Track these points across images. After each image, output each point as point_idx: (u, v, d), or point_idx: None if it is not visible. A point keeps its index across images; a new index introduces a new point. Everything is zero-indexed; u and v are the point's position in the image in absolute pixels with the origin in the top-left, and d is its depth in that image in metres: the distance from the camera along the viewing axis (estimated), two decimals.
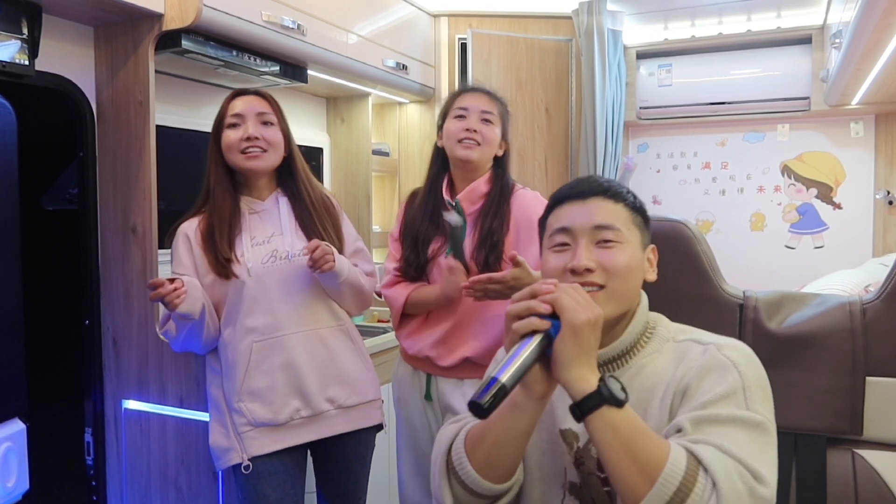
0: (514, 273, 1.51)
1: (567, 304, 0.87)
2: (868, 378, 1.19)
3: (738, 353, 0.95)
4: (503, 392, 0.82)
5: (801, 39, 3.09)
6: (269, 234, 1.63)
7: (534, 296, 0.90)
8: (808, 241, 3.20)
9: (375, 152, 2.99)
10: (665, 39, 3.29)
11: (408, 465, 1.79)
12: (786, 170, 3.23)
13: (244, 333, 1.57)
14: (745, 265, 3.22)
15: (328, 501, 1.72)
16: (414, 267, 1.71)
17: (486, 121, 1.69)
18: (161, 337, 1.62)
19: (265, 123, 1.62)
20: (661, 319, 1.06)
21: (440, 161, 1.77)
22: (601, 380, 0.86)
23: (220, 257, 1.57)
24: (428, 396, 1.75)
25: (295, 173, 1.68)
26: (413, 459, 1.78)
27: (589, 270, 0.97)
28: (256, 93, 1.66)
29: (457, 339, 1.68)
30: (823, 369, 1.21)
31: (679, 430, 0.88)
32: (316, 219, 1.67)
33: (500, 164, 1.75)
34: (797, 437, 1.22)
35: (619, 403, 0.85)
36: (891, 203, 3.02)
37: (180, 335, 1.58)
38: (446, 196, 1.72)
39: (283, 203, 1.67)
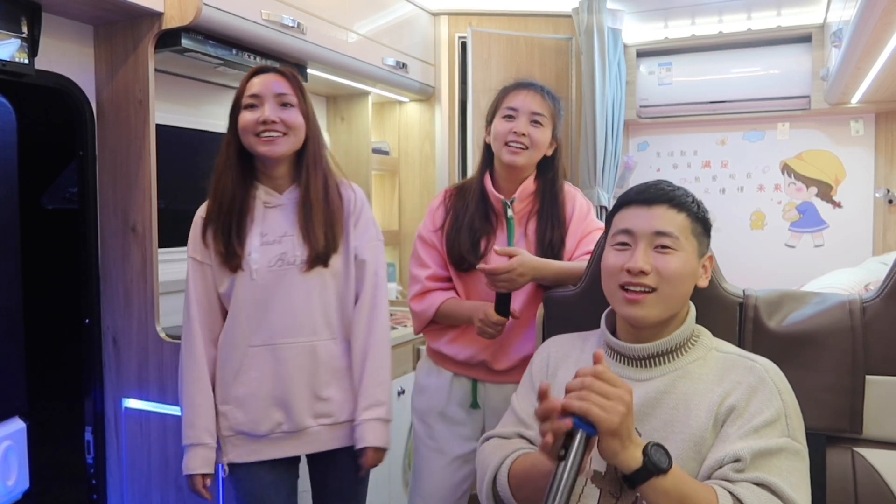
0: (514, 262, 1.49)
1: (598, 414, 0.88)
2: (868, 377, 1.19)
3: (781, 380, 1.05)
4: None
5: (802, 38, 3.08)
6: (281, 234, 1.51)
7: (559, 410, 0.91)
8: (808, 239, 3.20)
9: (375, 151, 2.99)
10: (665, 38, 3.29)
11: (431, 481, 1.71)
12: (786, 168, 3.22)
13: (238, 337, 1.51)
14: (744, 264, 3.22)
15: None
16: (470, 260, 1.63)
17: (536, 122, 1.61)
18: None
19: (284, 105, 1.49)
20: (704, 330, 1.15)
21: (488, 157, 1.70)
22: (645, 453, 0.91)
23: (220, 251, 1.49)
24: (475, 404, 1.68)
25: (311, 161, 1.54)
26: (444, 472, 1.70)
27: (643, 272, 1.05)
28: (277, 70, 1.53)
29: (513, 340, 1.63)
30: (823, 368, 1.21)
31: (737, 461, 0.96)
32: (314, 213, 1.51)
33: (548, 163, 1.68)
34: None
35: (664, 472, 0.91)
36: (891, 202, 3.02)
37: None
38: (496, 193, 1.66)
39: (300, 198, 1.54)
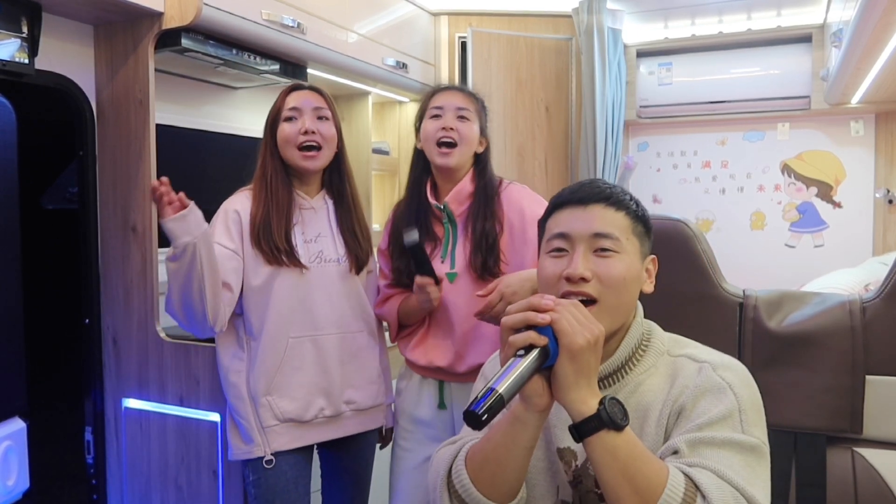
0: (501, 286, 1.49)
1: (565, 326, 0.84)
2: (868, 377, 1.19)
3: (734, 374, 0.94)
4: (500, 403, 0.80)
5: (802, 38, 3.09)
6: (317, 234, 1.65)
7: (531, 309, 0.87)
8: (808, 239, 3.20)
9: (375, 151, 2.99)
10: (665, 38, 3.29)
11: (408, 481, 1.73)
12: (786, 169, 3.23)
13: (281, 329, 1.58)
14: (745, 264, 3.22)
15: (338, 490, 1.75)
16: (406, 275, 1.67)
17: (463, 118, 1.64)
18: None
19: (321, 118, 1.63)
20: (654, 329, 1.04)
21: (422, 163, 1.72)
22: (601, 402, 0.85)
23: (273, 248, 1.57)
24: (442, 405, 1.70)
25: (343, 171, 1.70)
26: (416, 472, 1.72)
27: (584, 279, 0.95)
28: (312, 88, 1.68)
29: (468, 348, 1.65)
30: (823, 368, 1.21)
31: (675, 452, 0.88)
32: (354, 221, 1.69)
33: (480, 160, 1.70)
34: (797, 435, 1.22)
35: (619, 427, 0.84)
36: (891, 202, 3.02)
37: (174, 285, 1.46)
38: (432, 200, 1.68)
39: (330, 204, 1.69)
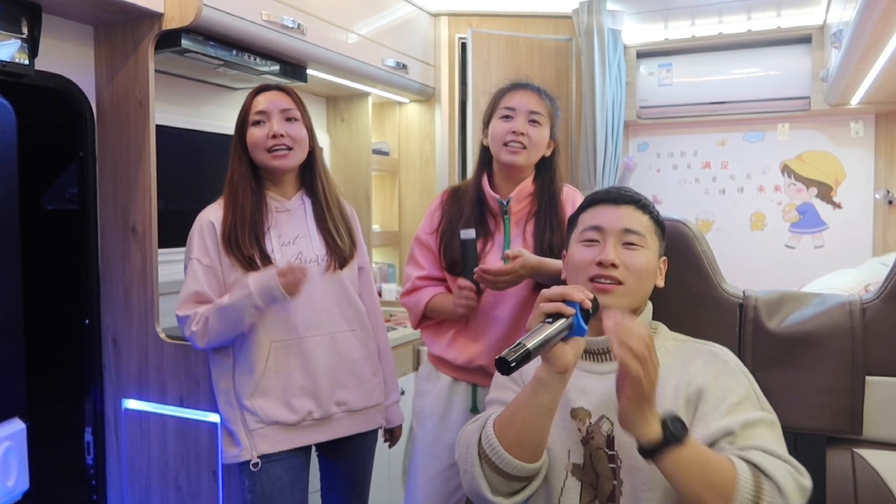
0: (517, 263, 1.49)
1: (649, 374, 0.93)
2: (868, 377, 1.19)
3: (738, 360, 1.10)
4: (527, 354, 0.93)
5: (801, 39, 3.09)
6: (295, 236, 1.62)
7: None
8: (808, 240, 3.20)
9: (375, 152, 2.99)
10: (665, 39, 3.29)
11: (428, 485, 1.71)
12: (786, 169, 3.23)
13: (264, 333, 1.57)
14: (744, 264, 3.22)
15: (336, 493, 1.74)
16: (461, 267, 1.62)
17: (534, 122, 1.61)
18: (193, 329, 1.56)
19: (289, 120, 1.60)
20: (661, 325, 1.20)
21: (485, 159, 1.70)
22: (664, 425, 0.94)
23: (244, 255, 1.55)
24: (474, 409, 1.67)
25: (315, 170, 1.67)
26: (439, 478, 1.70)
27: (614, 265, 1.10)
28: (279, 88, 1.64)
29: (510, 345, 1.63)
30: (823, 369, 1.21)
31: (729, 433, 1.00)
32: (330, 219, 1.66)
33: (547, 164, 1.68)
34: (797, 436, 1.23)
35: (682, 441, 0.93)
36: (891, 203, 3.02)
37: (230, 327, 1.54)
38: (493, 193, 1.64)
39: (308, 204, 1.67)
